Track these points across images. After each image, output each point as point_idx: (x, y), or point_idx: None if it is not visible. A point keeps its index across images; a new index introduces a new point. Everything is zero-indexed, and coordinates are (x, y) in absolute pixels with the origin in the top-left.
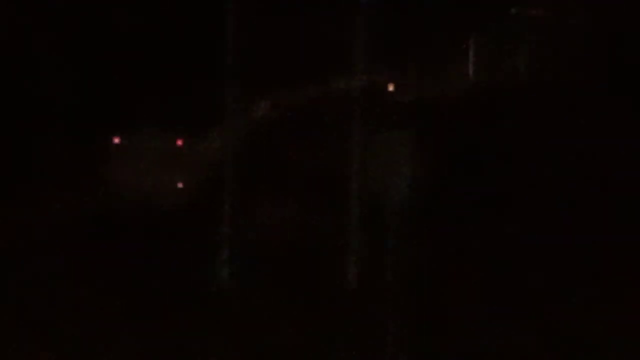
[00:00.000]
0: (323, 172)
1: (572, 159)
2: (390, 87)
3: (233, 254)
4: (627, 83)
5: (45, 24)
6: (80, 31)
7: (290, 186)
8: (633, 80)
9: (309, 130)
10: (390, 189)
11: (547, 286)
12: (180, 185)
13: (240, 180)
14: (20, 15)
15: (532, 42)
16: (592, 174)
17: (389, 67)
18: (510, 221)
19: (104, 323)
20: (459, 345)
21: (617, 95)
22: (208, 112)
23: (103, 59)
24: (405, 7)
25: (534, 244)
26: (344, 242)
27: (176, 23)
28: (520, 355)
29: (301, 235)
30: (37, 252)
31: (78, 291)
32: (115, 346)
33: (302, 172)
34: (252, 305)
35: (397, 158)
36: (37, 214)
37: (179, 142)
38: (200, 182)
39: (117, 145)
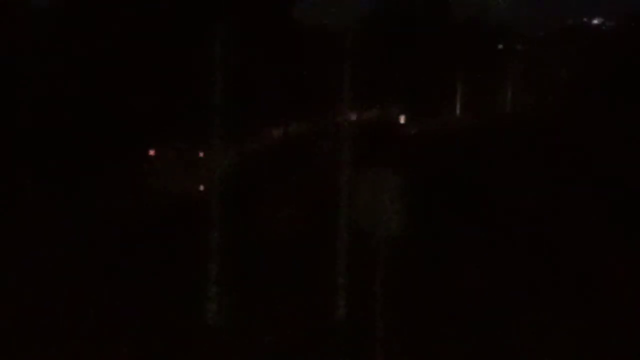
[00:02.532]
0: (312, 204)
1: (553, 192)
2: (402, 119)
3: (223, 289)
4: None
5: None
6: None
7: (279, 216)
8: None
9: (302, 161)
10: (378, 222)
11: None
12: (201, 187)
13: (229, 209)
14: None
15: (516, 77)
16: (572, 210)
17: (381, 106)
18: (500, 255)
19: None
20: None
21: (601, 132)
22: (224, 133)
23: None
24: (392, 48)
25: (522, 275)
26: (332, 275)
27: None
28: None
29: (290, 266)
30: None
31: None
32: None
33: (292, 203)
34: (243, 338)
35: (385, 191)
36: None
37: (201, 154)
38: (216, 186)
39: (153, 155)
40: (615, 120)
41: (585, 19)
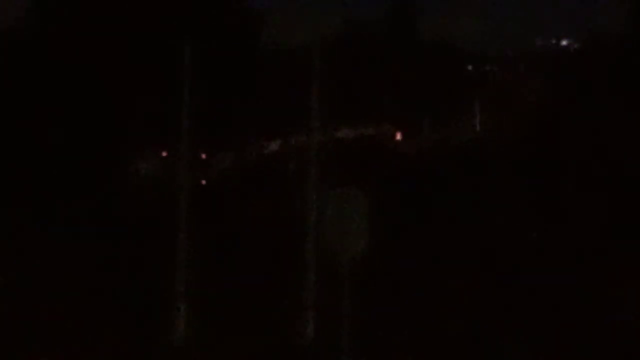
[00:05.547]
0: (282, 225)
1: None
2: (398, 136)
3: (190, 309)
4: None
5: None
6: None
7: (249, 239)
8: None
9: (271, 182)
10: (347, 244)
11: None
12: (203, 182)
13: (196, 232)
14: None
15: (487, 97)
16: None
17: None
18: (472, 276)
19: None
20: None
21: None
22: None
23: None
24: (363, 68)
25: (493, 297)
26: (300, 296)
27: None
28: None
29: (258, 287)
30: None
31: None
32: None
33: (261, 225)
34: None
35: (355, 212)
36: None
37: (204, 156)
38: (215, 181)
39: (164, 156)
40: (583, 140)
41: (553, 40)
